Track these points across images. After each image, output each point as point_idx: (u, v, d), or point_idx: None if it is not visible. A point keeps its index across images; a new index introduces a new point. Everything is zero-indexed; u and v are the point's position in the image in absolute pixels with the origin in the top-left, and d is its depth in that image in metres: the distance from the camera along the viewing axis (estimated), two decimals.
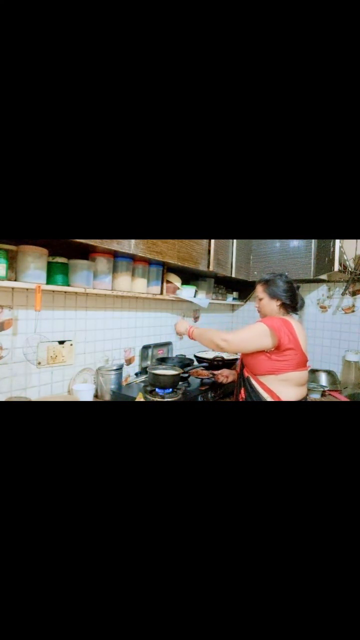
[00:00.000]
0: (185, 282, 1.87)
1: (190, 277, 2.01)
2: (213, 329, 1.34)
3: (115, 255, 1.42)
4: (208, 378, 1.66)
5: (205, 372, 1.70)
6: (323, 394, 1.87)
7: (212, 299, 2.15)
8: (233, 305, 2.78)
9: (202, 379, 1.66)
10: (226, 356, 1.84)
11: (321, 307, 2.29)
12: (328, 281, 2.22)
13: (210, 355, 1.87)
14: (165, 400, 1.30)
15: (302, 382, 1.24)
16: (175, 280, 1.78)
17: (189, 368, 1.70)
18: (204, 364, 1.78)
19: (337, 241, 1.76)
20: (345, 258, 1.84)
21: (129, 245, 1.32)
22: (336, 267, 1.75)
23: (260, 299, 1.32)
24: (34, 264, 1.12)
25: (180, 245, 1.61)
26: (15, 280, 1.11)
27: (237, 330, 1.25)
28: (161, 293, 1.70)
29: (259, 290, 1.32)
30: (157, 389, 1.36)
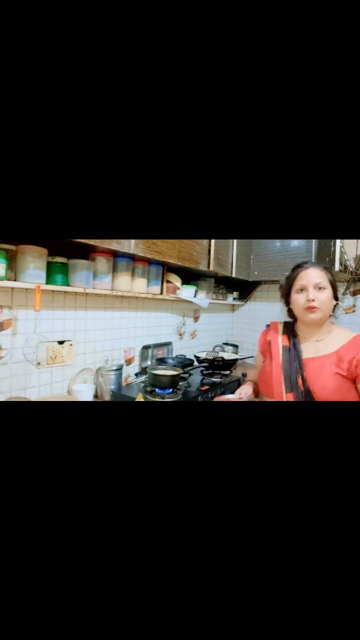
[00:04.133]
0: (185, 282, 1.86)
1: (190, 277, 2.01)
2: None
3: (115, 255, 1.42)
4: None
5: (232, 397, 1.26)
6: None
7: (212, 299, 2.14)
8: (233, 305, 2.77)
9: (202, 378, 1.66)
10: (226, 356, 1.84)
11: None
12: None
13: (210, 355, 1.87)
14: (165, 400, 1.30)
15: None
16: (175, 280, 1.78)
17: (189, 368, 1.70)
18: (204, 364, 1.78)
19: (338, 241, 1.76)
20: (346, 258, 1.84)
21: (129, 245, 1.32)
22: (336, 267, 1.75)
23: (323, 289, 0.86)
24: (34, 263, 1.11)
25: (180, 245, 1.61)
26: (15, 280, 1.11)
27: None
28: (161, 293, 1.69)
29: (317, 275, 0.85)
30: (157, 389, 1.36)
